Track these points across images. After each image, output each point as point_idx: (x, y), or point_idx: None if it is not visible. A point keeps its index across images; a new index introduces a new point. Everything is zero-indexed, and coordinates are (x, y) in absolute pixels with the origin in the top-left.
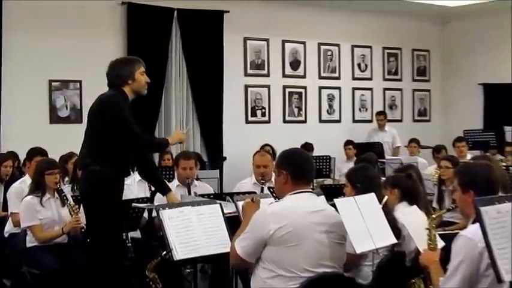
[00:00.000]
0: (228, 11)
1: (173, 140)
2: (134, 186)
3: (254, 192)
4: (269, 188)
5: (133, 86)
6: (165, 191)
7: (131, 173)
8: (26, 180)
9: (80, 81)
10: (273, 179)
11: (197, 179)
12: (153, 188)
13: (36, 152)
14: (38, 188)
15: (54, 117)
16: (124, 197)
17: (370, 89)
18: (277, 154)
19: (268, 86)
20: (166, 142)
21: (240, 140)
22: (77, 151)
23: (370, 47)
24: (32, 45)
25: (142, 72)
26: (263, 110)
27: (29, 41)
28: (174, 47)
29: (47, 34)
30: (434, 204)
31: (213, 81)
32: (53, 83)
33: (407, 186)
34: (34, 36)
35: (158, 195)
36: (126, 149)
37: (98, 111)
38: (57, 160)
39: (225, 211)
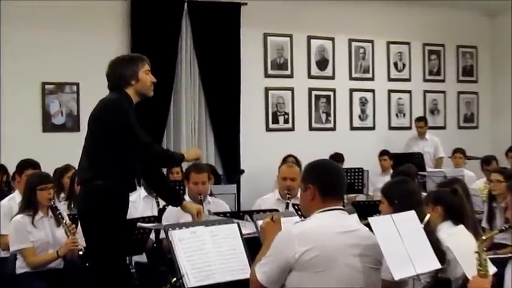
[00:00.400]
0: (246, 3)
1: (189, 156)
2: (139, 204)
3: (277, 210)
4: (294, 205)
5: (138, 87)
6: (179, 201)
7: (137, 187)
8: (16, 197)
9: (77, 84)
10: (298, 195)
11: (211, 195)
12: (161, 205)
13: (27, 164)
14: (30, 206)
15: (48, 125)
16: (128, 216)
17: (409, 91)
18: (303, 166)
19: (291, 89)
20: (182, 157)
21: (260, 150)
22: (74, 163)
23: (408, 43)
24: (22, 42)
25: (148, 71)
26: (286, 116)
27: (19, 38)
28: (185, 44)
29: (39, 30)
30: (484, 224)
31: (228, 83)
32: (47, 86)
33: (452, 203)
34: (24, 33)
35: (166, 214)
36: (132, 160)
37: (99, 116)
38: (51, 174)
39: (244, 232)
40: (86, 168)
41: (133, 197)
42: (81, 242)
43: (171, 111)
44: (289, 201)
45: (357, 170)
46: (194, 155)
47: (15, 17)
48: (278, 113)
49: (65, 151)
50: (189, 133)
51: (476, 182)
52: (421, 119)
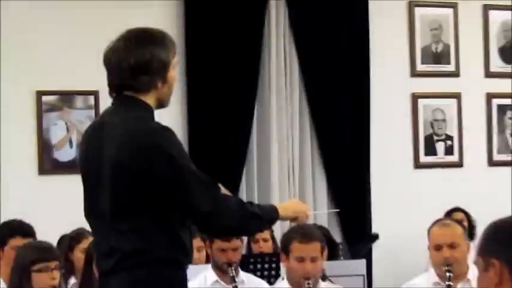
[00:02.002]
0: None
1: (287, 213)
2: None
3: None
4: None
5: (161, 93)
6: None
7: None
8: None
9: (96, 93)
10: (470, 276)
11: (324, 279)
12: None
13: (14, 229)
14: None
15: (48, 162)
16: None
17: None
18: (479, 228)
19: (457, 95)
20: (275, 215)
21: (405, 199)
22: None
23: None
24: (8, 31)
25: (175, 64)
26: (449, 142)
27: (4, 26)
28: (275, 27)
29: (32, 13)
30: None
31: (349, 88)
32: (45, 98)
33: None
34: (12, 19)
35: None
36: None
37: (131, 163)
38: (55, 244)
39: None
40: (125, 248)
41: (196, 283)
42: None
43: (254, 133)
44: (451, 284)
45: None
46: (298, 211)
47: None
48: (435, 137)
49: (75, 206)
50: (284, 170)
51: None
52: None
